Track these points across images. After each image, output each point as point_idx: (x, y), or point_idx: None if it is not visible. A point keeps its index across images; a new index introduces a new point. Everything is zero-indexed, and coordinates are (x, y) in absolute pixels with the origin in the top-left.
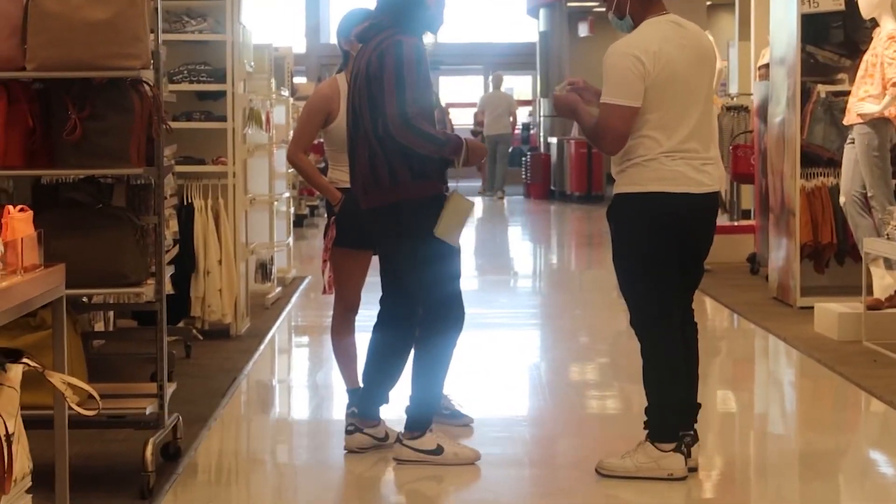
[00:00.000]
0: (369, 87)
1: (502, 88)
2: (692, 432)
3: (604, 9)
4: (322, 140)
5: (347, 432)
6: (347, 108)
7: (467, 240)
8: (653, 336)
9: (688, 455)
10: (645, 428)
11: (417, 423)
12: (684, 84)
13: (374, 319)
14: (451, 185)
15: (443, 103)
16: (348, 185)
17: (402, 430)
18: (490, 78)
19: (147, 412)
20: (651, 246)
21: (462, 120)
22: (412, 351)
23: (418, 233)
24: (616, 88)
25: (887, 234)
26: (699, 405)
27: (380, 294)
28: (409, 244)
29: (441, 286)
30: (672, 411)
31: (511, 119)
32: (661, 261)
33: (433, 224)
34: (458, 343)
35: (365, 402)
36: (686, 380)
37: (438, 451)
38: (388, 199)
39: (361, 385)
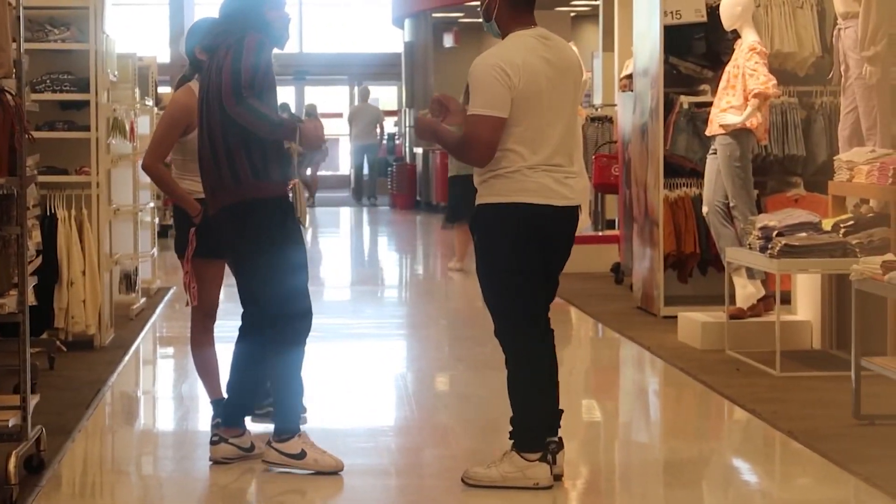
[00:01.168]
0: (216, 87)
1: (369, 100)
2: (557, 439)
3: (472, 19)
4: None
5: (212, 443)
6: (198, 113)
7: (333, 250)
8: (518, 346)
9: (553, 462)
10: (510, 438)
11: (285, 427)
12: (548, 98)
13: (235, 330)
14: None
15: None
16: (202, 196)
17: (272, 435)
18: (357, 90)
19: (10, 424)
20: (515, 256)
21: (332, 130)
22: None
23: (262, 234)
24: (483, 99)
25: (749, 244)
26: (562, 411)
27: (239, 305)
28: (254, 245)
29: (287, 287)
30: (538, 421)
31: (378, 130)
32: (525, 271)
33: (277, 225)
34: (324, 353)
35: (229, 413)
36: (550, 388)
37: (301, 455)
38: (232, 198)
39: (225, 395)
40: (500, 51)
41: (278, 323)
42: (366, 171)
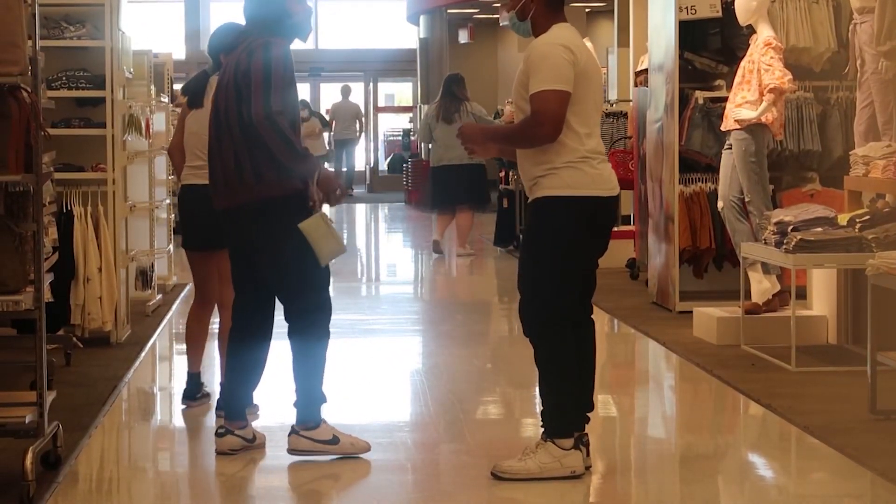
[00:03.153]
0: (237, 84)
1: (350, 98)
2: (586, 434)
3: (487, 15)
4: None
5: (218, 435)
6: (212, 108)
7: (348, 246)
8: (554, 335)
9: (587, 454)
10: (542, 427)
11: (309, 416)
12: (595, 85)
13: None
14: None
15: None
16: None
17: (295, 424)
18: (341, 89)
19: (26, 421)
20: (580, 247)
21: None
22: (287, 349)
23: (286, 229)
24: (550, 74)
25: (764, 239)
26: (593, 405)
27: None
28: (278, 241)
29: (309, 281)
30: (572, 408)
31: (357, 125)
32: (582, 262)
33: (299, 221)
34: (340, 348)
35: (231, 405)
36: (585, 376)
37: (335, 441)
38: (253, 195)
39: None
40: (555, 36)
41: (302, 315)
42: (345, 165)
